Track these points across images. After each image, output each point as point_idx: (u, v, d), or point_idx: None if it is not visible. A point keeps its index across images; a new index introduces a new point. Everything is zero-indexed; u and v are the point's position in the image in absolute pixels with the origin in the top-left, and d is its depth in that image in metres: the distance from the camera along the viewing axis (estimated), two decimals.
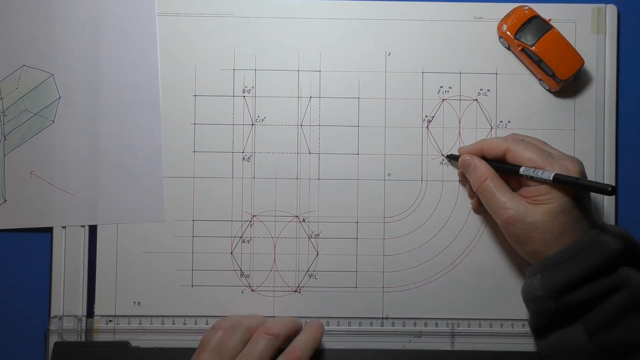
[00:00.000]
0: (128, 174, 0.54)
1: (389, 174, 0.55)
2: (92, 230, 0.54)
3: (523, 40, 0.53)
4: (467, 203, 0.55)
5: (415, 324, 0.54)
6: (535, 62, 0.53)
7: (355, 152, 0.55)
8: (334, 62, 0.55)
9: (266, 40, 0.55)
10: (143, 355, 0.53)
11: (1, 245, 0.55)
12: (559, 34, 0.53)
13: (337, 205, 0.55)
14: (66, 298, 0.54)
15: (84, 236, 0.54)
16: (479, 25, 0.55)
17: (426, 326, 0.54)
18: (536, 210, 0.47)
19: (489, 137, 0.55)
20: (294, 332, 0.50)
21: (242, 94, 0.55)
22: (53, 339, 0.53)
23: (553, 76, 0.53)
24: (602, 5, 0.55)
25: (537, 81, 0.55)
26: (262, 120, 0.55)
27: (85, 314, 0.54)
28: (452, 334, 0.54)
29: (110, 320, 0.54)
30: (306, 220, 0.55)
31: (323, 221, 0.54)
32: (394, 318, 0.54)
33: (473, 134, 0.55)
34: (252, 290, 0.54)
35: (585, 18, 0.55)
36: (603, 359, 0.45)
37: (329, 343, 0.53)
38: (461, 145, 0.54)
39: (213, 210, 0.55)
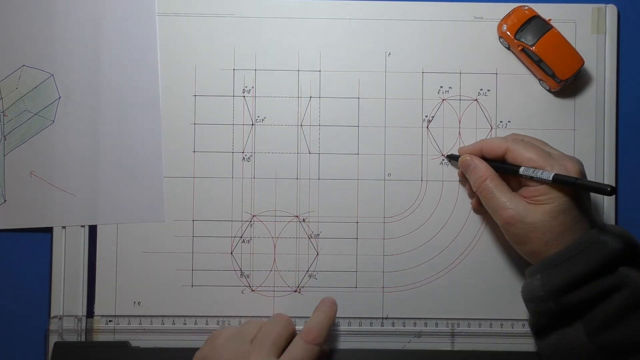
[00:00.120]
0: (128, 174, 0.54)
1: (389, 174, 0.55)
2: (92, 230, 0.54)
3: (523, 40, 0.53)
4: (467, 203, 0.55)
5: (415, 324, 0.54)
6: (535, 62, 0.53)
7: (355, 152, 0.55)
8: (334, 62, 0.55)
9: (266, 40, 0.55)
10: (143, 355, 0.53)
11: (1, 245, 0.55)
12: (559, 34, 0.53)
13: (337, 205, 0.55)
14: (66, 298, 0.54)
15: (84, 236, 0.54)
16: (479, 25, 0.55)
17: (426, 326, 0.54)
18: (536, 211, 0.47)
19: (489, 137, 0.55)
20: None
21: (242, 94, 0.55)
22: (53, 339, 0.53)
23: (553, 76, 0.53)
24: (602, 5, 0.55)
25: (537, 81, 0.55)
26: (262, 120, 0.55)
27: (85, 314, 0.54)
28: (452, 334, 0.54)
29: (110, 320, 0.54)
30: (306, 220, 0.55)
31: (323, 221, 0.54)
32: (394, 318, 0.54)
33: (473, 134, 0.55)
34: (252, 290, 0.54)
35: (585, 18, 0.55)
36: (603, 359, 0.45)
37: (329, 343, 0.53)
38: (461, 145, 0.54)
39: (213, 210, 0.55)
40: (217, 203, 0.55)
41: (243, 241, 0.55)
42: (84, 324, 0.54)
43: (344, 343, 0.54)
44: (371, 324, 0.54)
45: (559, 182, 0.46)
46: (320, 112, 0.55)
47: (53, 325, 0.54)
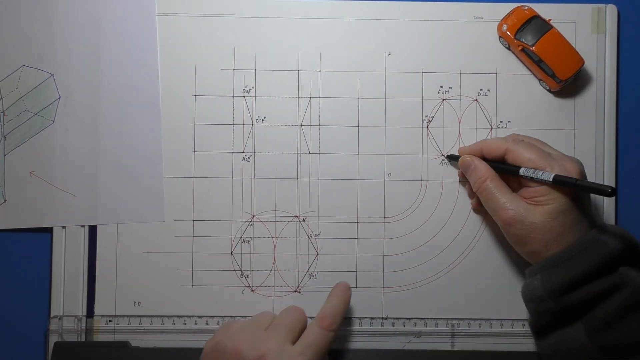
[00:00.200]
0: (128, 174, 0.54)
1: (389, 174, 0.55)
2: (92, 230, 0.54)
3: (523, 40, 0.53)
4: (467, 203, 0.55)
5: (415, 324, 0.54)
6: (535, 62, 0.53)
7: (355, 152, 0.55)
8: (334, 62, 0.55)
9: (266, 40, 0.55)
10: (143, 355, 0.53)
11: (1, 245, 0.55)
12: (559, 34, 0.53)
13: (337, 205, 0.55)
14: (66, 298, 0.54)
15: (84, 236, 0.54)
16: (479, 25, 0.55)
17: (426, 326, 0.54)
18: (536, 211, 0.47)
19: (489, 137, 0.55)
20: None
21: (242, 94, 0.55)
22: (53, 339, 0.53)
23: (553, 76, 0.53)
24: (602, 5, 0.55)
25: (537, 81, 0.55)
26: (262, 120, 0.55)
27: (85, 314, 0.54)
28: (452, 334, 0.54)
29: (110, 320, 0.54)
30: (306, 220, 0.55)
31: (323, 221, 0.54)
32: (394, 318, 0.54)
33: (473, 134, 0.55)
34: (252, 290, 0.54)
35: (585, 18, 0.55)
36: (603, 359, 0.45)
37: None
38: (461, 145, 0.54)
39: (213, 210, 0.55)
40: (217, 203, 0.54)
41: (243, 241, 0.55)
42: (84, 324, 0.54)
43: (344, 343, 0.54)
44: (371, 324, 0.54)
45: (560, 183, 0.46)
46: (320, 112, 0.55)
47: (53, 325, 0.54)
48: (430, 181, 0.55)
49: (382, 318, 0.54)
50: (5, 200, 0.54)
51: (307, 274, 0.54)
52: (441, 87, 0.55)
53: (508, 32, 0.53)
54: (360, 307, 0.54)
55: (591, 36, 0.55)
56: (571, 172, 0.47)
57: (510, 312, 0.54)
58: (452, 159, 0.54)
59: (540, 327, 0.48)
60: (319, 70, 0.55)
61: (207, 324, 0.54)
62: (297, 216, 0.55)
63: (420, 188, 0.55)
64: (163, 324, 0.54)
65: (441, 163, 0.55)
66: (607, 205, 0.54)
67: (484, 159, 0.51)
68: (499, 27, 0.54)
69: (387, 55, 0.55)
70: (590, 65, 0.54)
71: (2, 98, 0.55)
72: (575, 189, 0.46)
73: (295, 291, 0.54)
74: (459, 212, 0.55)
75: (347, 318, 0.54)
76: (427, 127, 0.55)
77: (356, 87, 0.55)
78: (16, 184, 0.54)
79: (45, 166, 0.54)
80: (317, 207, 0.55)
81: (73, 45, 0.55)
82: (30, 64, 0.55)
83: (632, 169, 0.56)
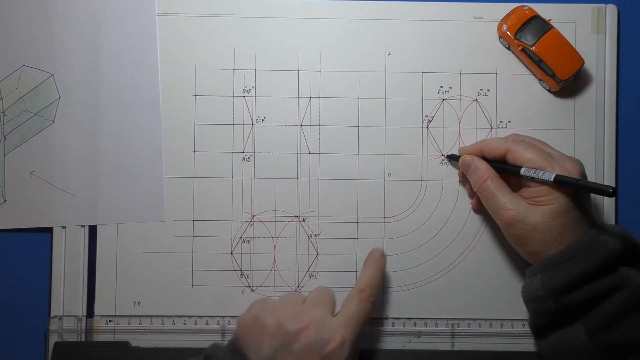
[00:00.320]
0: (128, 174, 0.54)
1: (389, 174, 0.55)
2: (92, 230, 0.54)
3: (523, 40, 0.53)
4: (467, 203, 0.55)
5: (415, 324, 0.54)
6: (535, 62, 0.53)
7: (355, 152, 0.55)
8: (334, 62, 0.55)
9: (266, 40, 0.55)
10: (143, 355, 0.53)
11: (1, 245, 0.55)
12: (559, 34, 0.53)
13: (337, 205, 0.55)
14: (66, 298, 0.54)
15: (84, 236, 0.54)
16: (479, 25, 0.55)
17: (426, 326, 0.54)
18: (536, 211, 0.47)
19: (489, 137, 0.55)
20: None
21: (242, 94, 0.55)
22: (53, 339, 0.53)
23: (553, 76, 0.53)
24: (602, 5, 0.55)
25: (537, 81, 0.55)
26: (262, 120, 0.55)
27: (85, 314, 0.54)
28: (452, 334, 0.54)
29: (110, 320, 0.54)
30: (306, 220, 0.55)
31: (323, 221, 0.54)
32: (394, 318, 0.54)
33: (473, 134, 0.55)
34: (252, 290, 0.54)
35: (585, 18, 0.55)
36: (603, 359, 0.45)
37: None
38: (461, 145, 0.54)
39: (213, 210, 0.55)
40: (217, 203, 0.54)
41: (243, 241, 0.55)
42: (84, 324, 0.54)
43: None
44: (371, 324, 0.54)
45: (561, 183, 0.46)
46: (320, 112, 0.55)
47: (53, 325, 0.54)
48: (430, 181, 0.55)
49: (382, 318, 0.54)
50: (5, 200, 0.54)
51: (307, 274, 0.54)
52: (441, 87, 0.55)
53: (508, 32, 0.53)
54: None
55: (591, 36, 0.55)
56: (572, 172, 0.47)
57: (510, 312, 0.54)
58: (452, 159, 0.54)
59: (540, 327, 0.48)
60: (319, 70, 0.55)
61: (207, 324, 0.54)
62: (297, 216, 0.55)
63: (420, 188, 0.55)
64: (163, 324, 0.54)
65: (441, 163, 0.55)
66: (607, 205, 0.54)
67: (485, 159, 0.51)
68: (499, 27, 0.54)
69: (387, 55, 0.55)
70: (590, 65, 0.54)
71: (2, 98, 0.55)
72: (576, 189, 0.46)
73: (295, 291, 0.54)
74: (459, 212, 0.55)
75: None
76: (427, 127, 0.55)
77: (356, 87, 0.55)
78: (16, 184, 0.54)
79: (45, 166, 0.54)
80: (317, 207, 0.55)
81: (73, 45, 0.55)
82: (30, 64, 0.55)
83: (632, 169, 0.56)
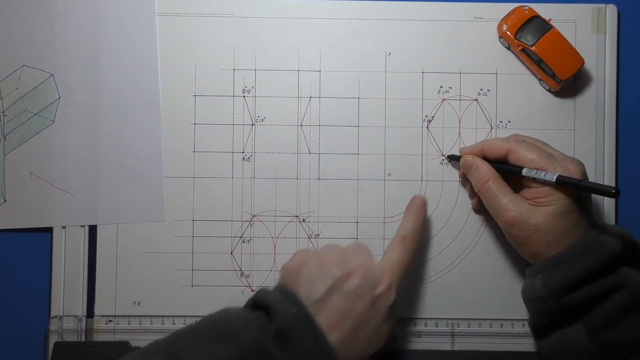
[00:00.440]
0: (128, 174, 0.54)
1: (389, 174, 0.55)
2: (92, 230, 0.54)
3: (523, 40, 0.53)
4: (467, 203, 0.55)
5: (415, 324, 0.54)
6: (535, 62, 0.53)
7: (355, 152, 0.55)
8: (334, 62, 0.55)
9: (266, 40, 0.55)
10: None
11: (1, 245, 0.55)
12: (559, 34, 0.53)
13: (337, 205, 0.55)
14: (66, 298, 0.54)
15: (84, 236, 0.54)
16: (479, 25, 0.55)
17: (426, 326, 0.54)
18: (538, 212, 0.47)
19: (489, 137, 0.55)
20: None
21: (242, 94, 0.55)
22: (53, 339, 0.53)
23: (553, 76, 0.53)
24: (602, 5, 0.55)
25: (537, 81, 0.55)
26: (262, 120, 0.55)
27: (85, 314, 0.54)
28: (452, 334, 0.54)
29: (110, 320, 0.54)
30: (306, 220, 0.55)
31: (323, 221, 0.54)
32: None
33: (473, 134, 0.55)
34: (252, 290, 0.54)
35: (585, 18, 0.55)
36: (603, 359, 0.45)
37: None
38: (461, 145, 0.54)
39: (213, 210, 0.55)
40: (217, 203, 0.54)
41: (243, 241, 0.55)
42: (84, 324, 0.54)
43: None
44: None
45: (563, 184, 0.46)
46: (320, 112, 0.55)
47: (53, 325, 0.54)
48: (430, 181, 0.55)
49: None
50: (5, 200, 0.54)
51: None
52: (441, 87, 0.55)
53: (508, 32, 0.53)
54: None
55: (591, 36, 0.55)
56: (573, 172, 0.47)
57: (510, 312, 0.54)
58: (453, 159, 0.54)
59: (540, 327, 0.48)
60: (319, 70, 0.55)
61: None
62: (297, 216, 0.55)
63: (420, 188, 0.55)
64: (163, 324, 0.54)
65: (441, 163, 0.55)
66: (607, 206, 0.54)
67: (486, 159, 0.51)
68: (499, 27, 0.54)
69: (387, 55, 0.55)
70: (590, 65, 0.54)
71: (2, 98, 0.55)
72: (577, 190, 0.46)
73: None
74: (459, 212, 0.55)
75: None
76: (427, 127, 0.55)
77: (356, 87, 0.55)
78: (16, 184, 0.54)
79: (45, 166, 0.54)
80: (317, 207, 0.55)
81: (73, 45, 0.55)
82: (30, 64, 0.55)
83: (632, 169, 0.56)
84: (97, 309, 0.54)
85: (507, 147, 0.49)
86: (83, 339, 0.54)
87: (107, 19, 0.55)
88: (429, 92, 0.55)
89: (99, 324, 0.54)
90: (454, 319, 0.54)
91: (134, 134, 0.54)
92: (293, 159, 0.55)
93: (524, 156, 0.48)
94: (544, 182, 0.47)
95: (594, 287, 0.45)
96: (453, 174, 0.55)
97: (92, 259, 0.54)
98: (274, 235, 0.55)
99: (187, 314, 0.54)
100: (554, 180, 0.46)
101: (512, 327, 0.54)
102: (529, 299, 0.48)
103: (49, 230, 0.54)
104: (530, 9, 0.53)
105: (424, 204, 0.52)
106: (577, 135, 0.55)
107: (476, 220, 0.55)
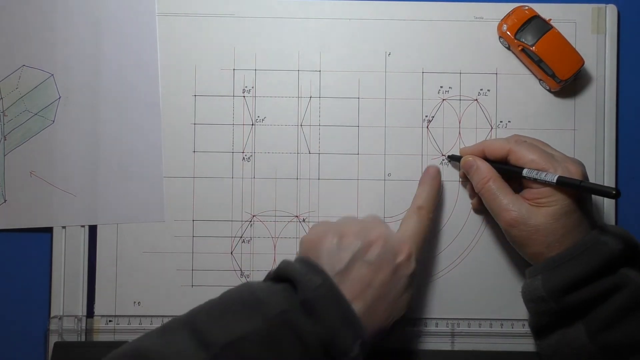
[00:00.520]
0: (128, 174, 0.54)
1: (389, 174, 0.55)
2: (92, 230, 0.54)
3: (523, 40, 0.53)
4: (467, 203, 0.55)
5: (415, 324, 0.54)
6: (535, 62, 0.53)
7: (355, 152, 0.55)
8: (334, 62, 0.55)
9: (266, 40, 0.55)
10: None
11: (1, 245, 0.55)
12: (559, 34, 0.53)
13: (337, 205, 0.55)
14: (66, 298, 0.54)
15: (84, 236, 0.54)
16: (479, 25, 0.55)
17: (426, 326, 0.54)
18: (539, 213, 0.47)
19: (489, 137, 0.55)
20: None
21: (242, 94, 0.55)
22: (53, 339, 0.53)
23: (553, 76, 0.53)
24: (602, 5, 0.55)
25: (537, 81, 0.55)
26: (262, 120, 0.55)
27: (85, 314, 0.54)
28: (452, 334, 0.54)
29: (110, 320, 0.54)
30: (306, 220, 0.55)
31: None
32: None
33: (473, 134, 0.55)
34: None
35: (585, 18, 0.55)
36: (603, 359, 0.45)
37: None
38: (461, 145, 0.54)
39: (213, 210, 0.55)
40: (217, 203, 0.54)
41: (243, 241, 0.55)
42: (84, 324, 0.54)
43: None
44: None
45: (563, 185, 0.46)
46: (320, 112, 0.55)
47: (53, 325, 0.54)
48: None
49: None
50: (5, 200, 0.54)
51: None
52: (441, 87, 0.55)
53: (508, 32, 0.53)
54: None
55: (591, 36, 0.55)
56: (574, 173, 0.47)
57: (510, 312, 0.54)
58: (453, 159, 0.54)
59: (540, 327, 0.48)
60: (319, 70, 0.55)
61: None
62: (297, 216, 0.55)
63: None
64: (163, 324, 0.54)
65: (441, 163, 0.55)
66: (607, 206, 0.54)
67: (486, 159, 0.51)
68: (499, 27, 0.54)
69: (387, 55, 0.55)
70: (590, 65, 0.54)
71: (2, 98, 0.55)
72: (578, 191, 0.46)
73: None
74: (459, 212, 0.55)
75: None
76: (427, 127, 0.55)
77: (356, 87, 0.55)
78: (16, 184, 0.54)
79: (45, 166, 0.54)
80: (317, 207, 0.55)
81: (73, 45, 0.55)
82: (30, 64, 0.55)
83: (632, 169, 0.56)
84: (97, 309, 0.54)
85: (508, 147, 0.49)
86: (83, 339, 0.54)
87: (107, 19, 0.55)
88: (429, 92, 0.55)
89: (99, 324, 0.54)
90: (454, 319, 0.54)
91: (133, 134, 0.54)
92: (293, 159, 0.55)
93: (524, 157, 0.48)
94: (545, 183, 0.47)
95: (595, 287, 0.45)
96: (453, 174, 0.55)
97: (92, 259, 0.54)
98: (274, 235, 0.55)
99: None
100: (554, 181, 0.46)
101: (512, 327, 0.54)
102: (529, 299, 0.48)
103: (49, 230, 0.54)
104: (530, 9, 0.53)
105: (438, 173, 0.52)
106: (577, 135, 0.55)
107: (476, 220, 0.55)
